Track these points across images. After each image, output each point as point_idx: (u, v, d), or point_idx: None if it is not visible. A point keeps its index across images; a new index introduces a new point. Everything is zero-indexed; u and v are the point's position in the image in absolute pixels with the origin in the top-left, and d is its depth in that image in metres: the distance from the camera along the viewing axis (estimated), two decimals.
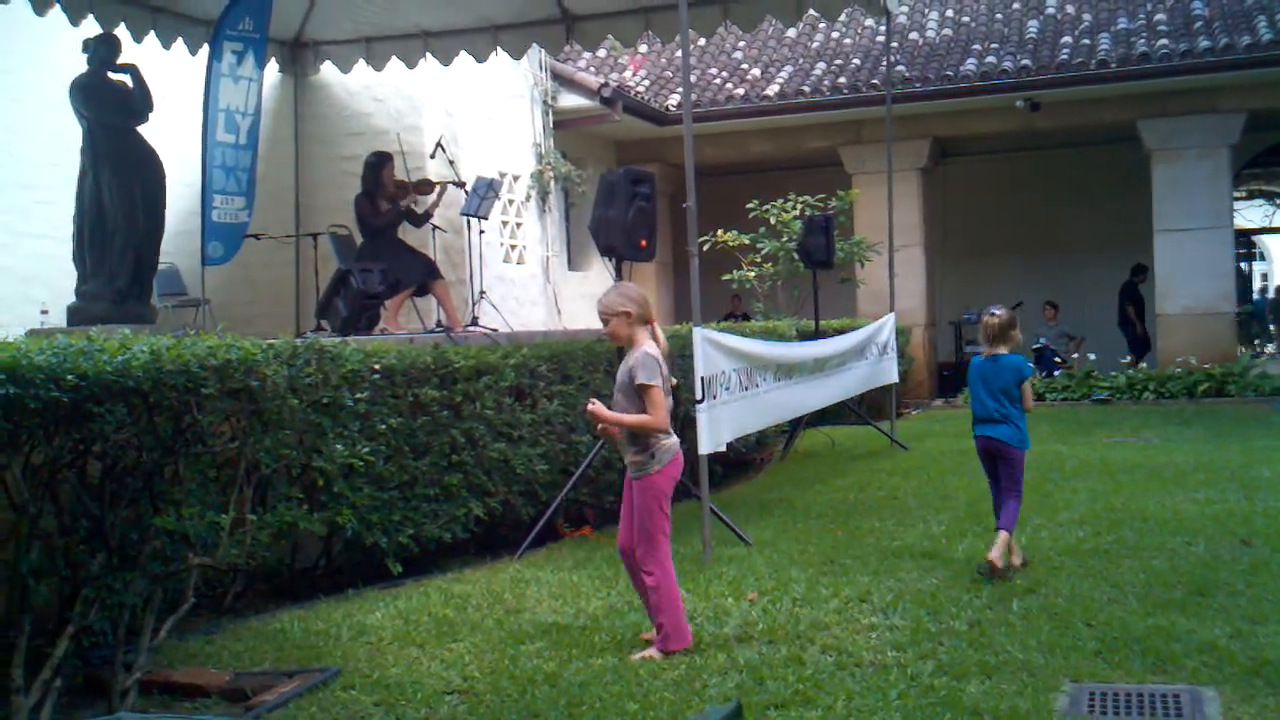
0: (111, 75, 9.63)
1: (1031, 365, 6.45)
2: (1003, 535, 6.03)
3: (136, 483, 4.58)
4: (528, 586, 6.14)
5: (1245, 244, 26.71)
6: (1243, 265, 23.82)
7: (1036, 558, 6.33)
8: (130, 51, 9.96)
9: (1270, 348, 26.03)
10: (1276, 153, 19.86)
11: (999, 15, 18.28)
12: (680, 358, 7.70)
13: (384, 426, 6.34)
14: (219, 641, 5.28)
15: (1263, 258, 34.52)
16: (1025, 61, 15.87)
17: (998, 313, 6.37)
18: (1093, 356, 16.53)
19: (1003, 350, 6.29)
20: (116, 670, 4.44)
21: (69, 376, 4.06)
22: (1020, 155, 18.95)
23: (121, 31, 9.96)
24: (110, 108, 9.54)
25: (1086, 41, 16.20)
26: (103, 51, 9.60)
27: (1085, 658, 4.62)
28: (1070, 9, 17.71)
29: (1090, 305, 18.35)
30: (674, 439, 5.02)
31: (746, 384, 7.70)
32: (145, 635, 4.57)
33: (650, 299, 5.16)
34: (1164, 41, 15.41)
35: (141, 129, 9.72)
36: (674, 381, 5.09)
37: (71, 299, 9.57)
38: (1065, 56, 15.75)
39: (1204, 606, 5.28)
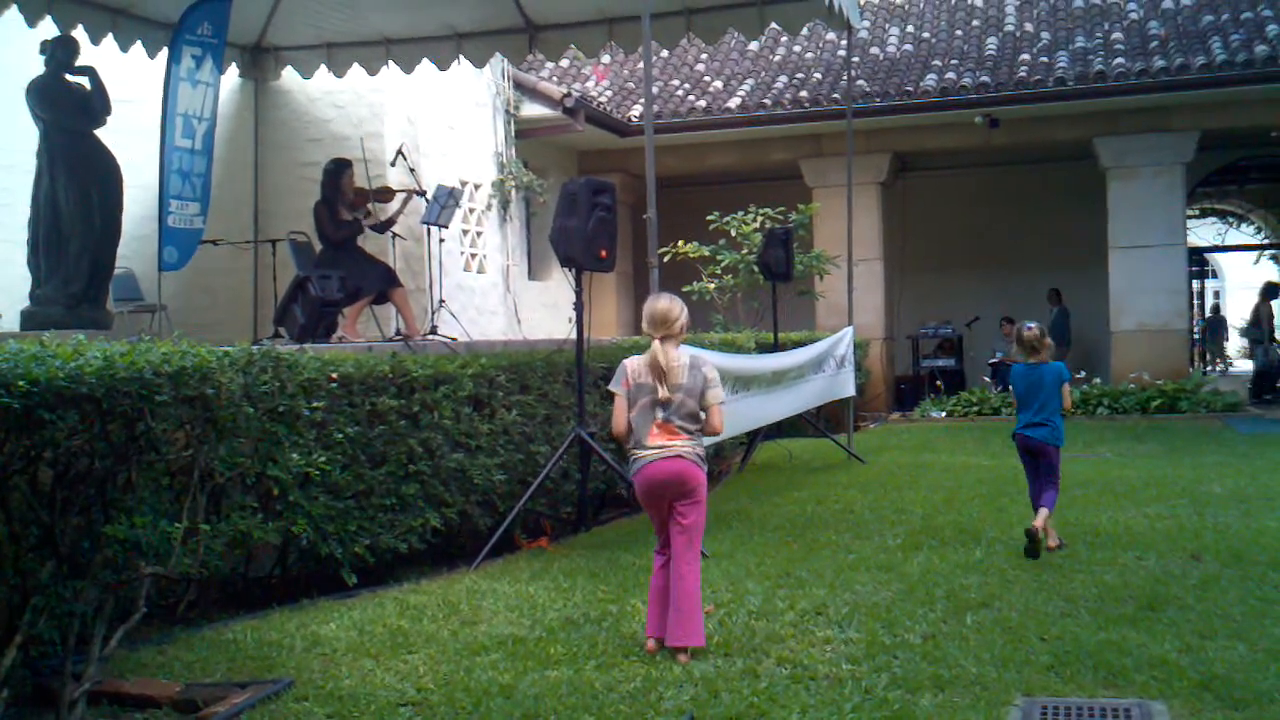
0: (69, 77, 9.54)
1: (1068, 371, 7.06)
2: (1044, 511, 6.86)
3: (88, 490, 4.51)
4: (484, 598, 6.11)
5: (1198, 262, 27.15)
6: (1194, 283, 24.30)
7: (990, 571, 6.39)
8: (88, 54, 9.87)
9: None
10: (1229, 172, 20.21)
11: (959, 32, 18.47)
12: None
13: (340, 435, 6.29)
14: (171, 652, 5.21)
15: (1215, 275, 35.10)
16: (984, 78, 16.04)
17: (1034, 327, 7.17)
18: None
19: (1041, 359, 7.07)
20: (66, 680, 4.37)
21: (20, 382, 3.99)
22: (979, 171, 19.15)
23: (79, 34, 9.87)
24: (67, 110, 9.45)
25: (1045, 59, 16.40)
26: (60, 53, 9.52)
27: (1038, 671, 4.66)
28: (1029, 27, 17.93)
29: (1047, 320, 18.53)
30: (646, 451, 5.10)
31: None
32: (95, 645, 4.50)
33: (681, 309, 5.18)
34: (1120, 60, 15.63)
35: (99, 132, 9.63)
36: (665, 395, 5.07)
37: (27, 303, 9.45)
38: (1024, 74, 15.94)
39: (1154, 621, 5.34)
